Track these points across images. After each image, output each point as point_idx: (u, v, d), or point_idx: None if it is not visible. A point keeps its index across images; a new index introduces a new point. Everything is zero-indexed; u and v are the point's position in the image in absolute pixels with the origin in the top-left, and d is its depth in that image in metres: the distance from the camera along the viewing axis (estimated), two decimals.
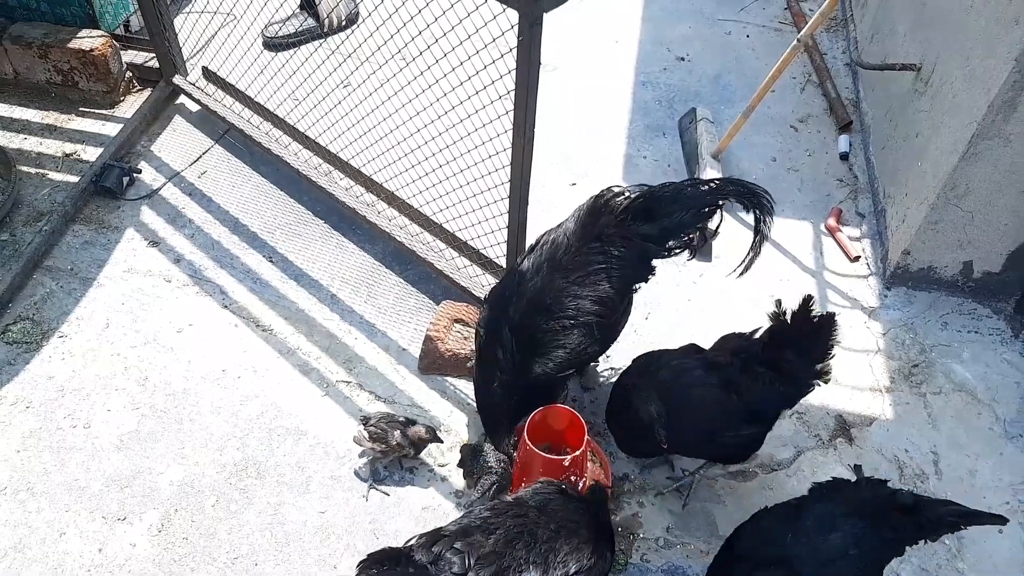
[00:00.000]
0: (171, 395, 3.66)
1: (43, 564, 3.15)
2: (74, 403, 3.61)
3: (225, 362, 3.77)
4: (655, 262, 3.27)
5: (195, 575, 3.14)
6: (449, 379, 3.74)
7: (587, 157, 4.76)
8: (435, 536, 2.56)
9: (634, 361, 3.35)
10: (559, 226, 3.28)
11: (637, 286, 3.30)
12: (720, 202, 3.17)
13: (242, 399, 3.65)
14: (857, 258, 4.29)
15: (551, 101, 5.02)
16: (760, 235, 3.21)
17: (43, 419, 3.55)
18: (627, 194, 3.17)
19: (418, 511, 3.34)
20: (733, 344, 3.20)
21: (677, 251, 3.25)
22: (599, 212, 3.17)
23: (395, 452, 3.33)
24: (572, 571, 2.65)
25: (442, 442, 3.42)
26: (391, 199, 4.04)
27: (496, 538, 2.58)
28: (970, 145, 3.59)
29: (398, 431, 3.30)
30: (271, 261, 4.18)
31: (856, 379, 3.82)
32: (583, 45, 5.46)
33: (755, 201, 3.15)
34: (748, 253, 3.24)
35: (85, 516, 3.29)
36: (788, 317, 2.98)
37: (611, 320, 3.32)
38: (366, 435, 3.31)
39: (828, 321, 2.98)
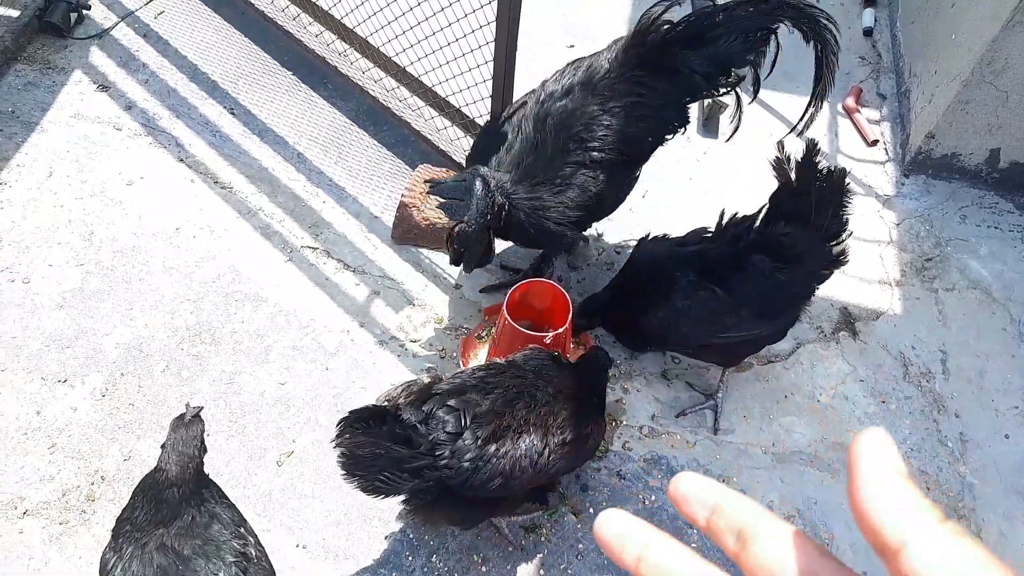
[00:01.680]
0: (119, 252, 3.33)
1: None
2: (12, 256, 3.28)
3: (179, 219, 3.43)
4: (692, 108, 2.92)
5: (141, 443, 2.91)
6: (424, 251, 3.43)
7: (587, 16, 4.30)
8: (425, 392, 2.27)
9: (635, 250, 3.03)
10: (595, 53, 2.89)
11: (669, 136, 2.94)
12: (774, 25, 2.71)
13: (197, 260, 3.33)
14: (875, 142, 3.94)
15: None
16: (823, 78, 2.78)
17: None
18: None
19: (387, 387, 3.10)
20: (731, 231, 2.84)
21: (724, 90, 2.87)
22: (644, 35, 2.74)
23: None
24: (569, 438, 2.43)
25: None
26: (364, 48, 3.60)
27: (494, 397, 2.33)
28: (1016, 11, 3.20)
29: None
30: (232, 113, 3.77)
31: (865, 270, 3.54)
32: None
33: (814, 29, 2.67)
34: (810, 101, 2.82)
35: (22, 376, 3.02)
36: (792, 170, 2.55)
37: (635, 172, 3.03)
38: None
39: (839, 177, 2.50)
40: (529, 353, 2.63)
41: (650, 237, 2.94)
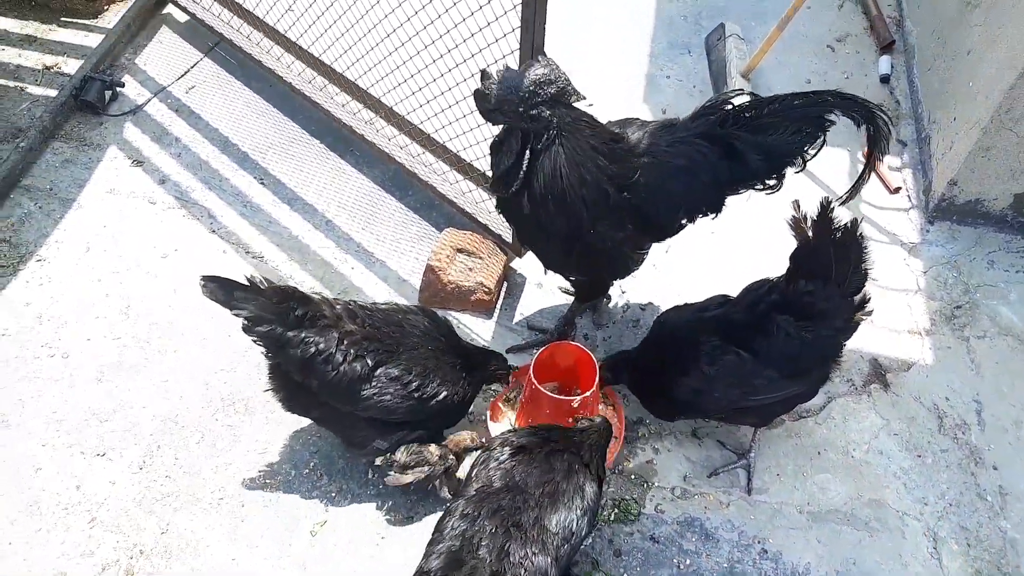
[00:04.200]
0: (154, 324, 3.42)
1: (17, 501, 2.96)
2: (52, 331, 3.38)
3: None
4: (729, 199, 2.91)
5: (177, 515, 2.95)
6: (452, 312, 3.48)
7: (606, 75, 4.38)
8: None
9: (657, 321, 3.06)
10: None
11: (699, 216, 2.94)
12: (827, 115, 2.75)
13: (230, 330, 3.39)
14: (897, 189, 3.95)
15: (566, 16, 4.63)
16: (873, 157, 2.84)
17: (20, 348, 3.33)
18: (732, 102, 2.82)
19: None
20: (752, 296, 2.85)
21: (768, 184, 2.87)
22: (713, 108, 2.81)
23: (439, 467, 2.90)
24: (572, 531, 2.42)
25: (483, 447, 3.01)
26: (390, 115, 3.70)
27: (486, 550, 2.28)
28: None
29: (432, 446, 2.93)
30: (262, 183, 3.88)
31: (893, 320, 3.52)
32: None
33: (868, 116, 2.74)
34: (859, 177, 2.89)
35: (62, 452, 3.08)
36: (809, 228, 2.59)
37: (646, 247, 3.05)
38: (402, 463, 2.86)
39: (853, 230, 2.53)
40: (493, 455, 2.54)
41: (672, 306, 2.98)
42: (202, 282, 2.58)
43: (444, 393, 2.84)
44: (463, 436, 2.99)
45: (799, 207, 2.62)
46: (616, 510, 3.02)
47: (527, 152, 2.54)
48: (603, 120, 2.83)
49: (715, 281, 3.07)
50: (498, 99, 2.46)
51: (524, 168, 2.56)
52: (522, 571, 2.26)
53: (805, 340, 2.67)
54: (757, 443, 3.11)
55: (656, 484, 3.09)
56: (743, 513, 3.04)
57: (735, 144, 2.76)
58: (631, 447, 3.17)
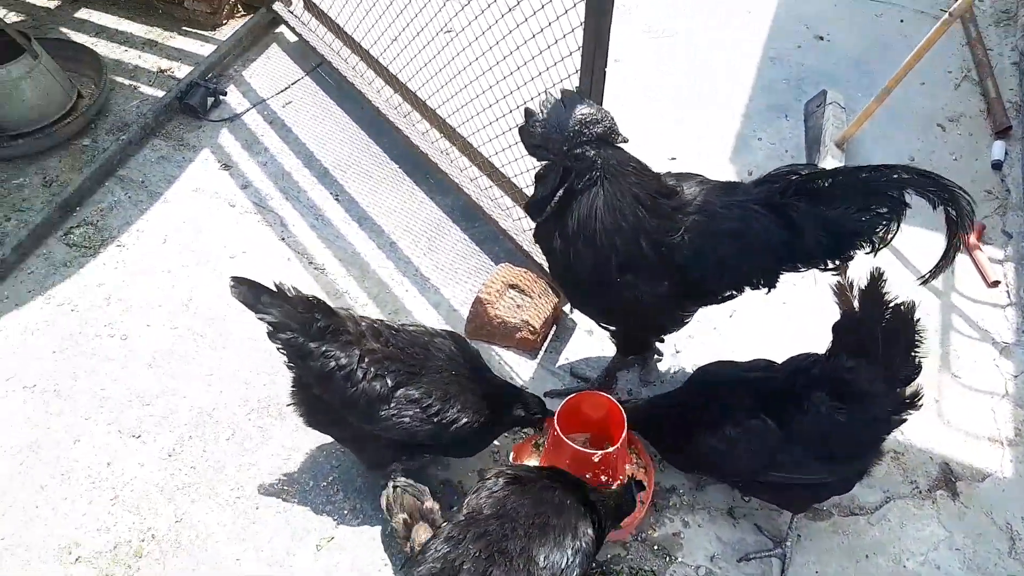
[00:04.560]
0: (211, 320, 3.52)
1: (52, 468, 3.07)
2: (117, 313, 3.54)
3: None
4: (785, 274, 2.72)
5: (194, 506, 2.98)
6: (496, 348, 3.42)
7: (694, 130, 4.28)
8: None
9: (696, 371, 2.91)
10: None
11: (748, 288, 2.76)
12: (898, 192, 2.50)
13: None
14: (996, 283, 3.62)
15: (661, 67, 4.57)
16: (955, 241, 2.56)
17: (85, 324, 3.50)
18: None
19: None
20: (793, 365, 2.66)
21: (826, 266, 2.65)
22: (776, 176, 2.66)
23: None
24: (561, 568, 2.28)
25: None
26: (465, 147, 3.73)
27: (470, 571, 2.20)
28: None
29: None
30: (337, 199, 3.97)
31: (973, 423, 3.19)
32: (709, 12, 4.94)
33: (949, 198, 2.48)
34: (940, 260, 2.62)
35: (102, 428, 3.19)
36: (855, 298, 2.36)
37: (690, 310, 2.89)
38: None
39: (907, 311, 2.28)
40: (487, 484, 2.46)
41: (716, 360, 2.81)
42: (232, 283, 2.62)
43: (465, 420, 2.76)
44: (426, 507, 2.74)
45: (846, 271, 2.43)
46: None
47: (562, 187, 2.48)
48: (691, 171, 2.75)
49: (780, 354, 2.87)
50: (543, 136, 2.43)
51: (554, 202, 2.50)
52: None
53: (838, 423, 2.45)
54: (794, 532, 2.86)
55: (680, 559, 2.88)
56: None
57: (792, 215, 2.60)
58: (659, 515, 2.98)
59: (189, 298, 3.59)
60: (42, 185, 3.99)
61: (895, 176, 2.49)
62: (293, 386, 2.84)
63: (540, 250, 2.90)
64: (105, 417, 3.22)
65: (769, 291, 2.78)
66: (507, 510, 2.34)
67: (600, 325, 3.00)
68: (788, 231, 2.60)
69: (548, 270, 2.88)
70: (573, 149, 2.42)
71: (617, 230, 2.52)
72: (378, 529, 2.93)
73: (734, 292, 2.81)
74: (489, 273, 3.60)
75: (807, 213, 2.58)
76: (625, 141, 2.50)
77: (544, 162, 2.58)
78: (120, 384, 3.31)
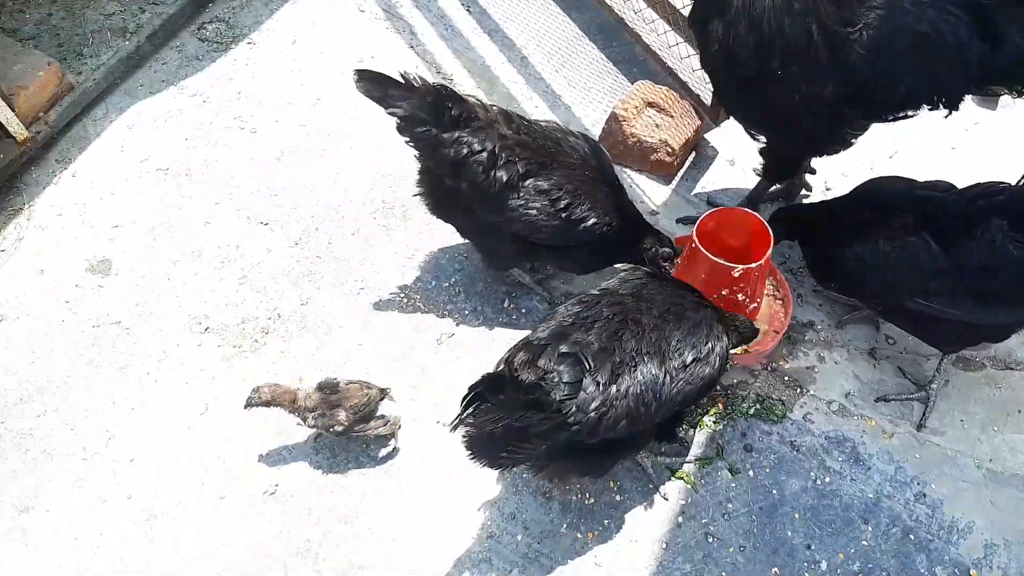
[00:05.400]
0: (338, 121, 3.46)
1: (184, 245, 3.13)
2: (247, 108, 3.51)
3: None
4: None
5: (319, 293, 2.99)
6: (628, 171, 3.24)
7: None
8: (533, 349, 2.02)
9: (867, 181, 2.66)
10: None
11: (936, 106, 2.46)
12: None
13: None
14: None
15: None
16: None
17: (216, 115, 3.49)
18: None
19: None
20: (978, 189, 2.39)
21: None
22: None
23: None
24: (689, 360, 2.15)
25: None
26: None
27: (598, 332, 2.08)
28: None
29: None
30: (468, 10, 3.79)
31: None
32: None
33: None
34: None
35: (232, 212, 3.22)
36: None
37: (867, 123, 2.62)
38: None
39: None
40: (624, 275, 2.36)
41: (888, 175, 2.56)
42: (355, 76, 2.50)
43: (594, 220, 2.62)
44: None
45: None
46: (758, 406, 2.71)
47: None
48: None
49: None
50: None
51: None
52: (634, 362, 2.04)
53: (1011, 255, 2.21)
54: (942, 377, 2.66)
55: (811, 393, 2.74)
56: (907, 449, 2.62)
57: (995, 19, 2.26)
58: (792, 348, 2.83)
59: (317, 98, 3.53)
60: None
61: None
62: (419, 176, 2.75)
63: (700, 77, 2.67)
64: (234, 203, 3.24)
65: (949, 113, 2.48)
66: (643, 294, 2.23)
67: (750, 133, 2.75)
68: (987, 41, 2.28)
69: (702, 61, 2.62)
70: None
71: (787, 10, 2.25)
72: (497, 331, 2.89)
73: (907, 110, 2.51)
74: (623, 94, 3.39)
75: (1015, 17, 2.25)
76: None
77: None
78: (249, 174, 3.32)
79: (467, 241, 3.02)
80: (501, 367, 1.98)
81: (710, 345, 2.22)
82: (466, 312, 2.94)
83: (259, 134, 3.43)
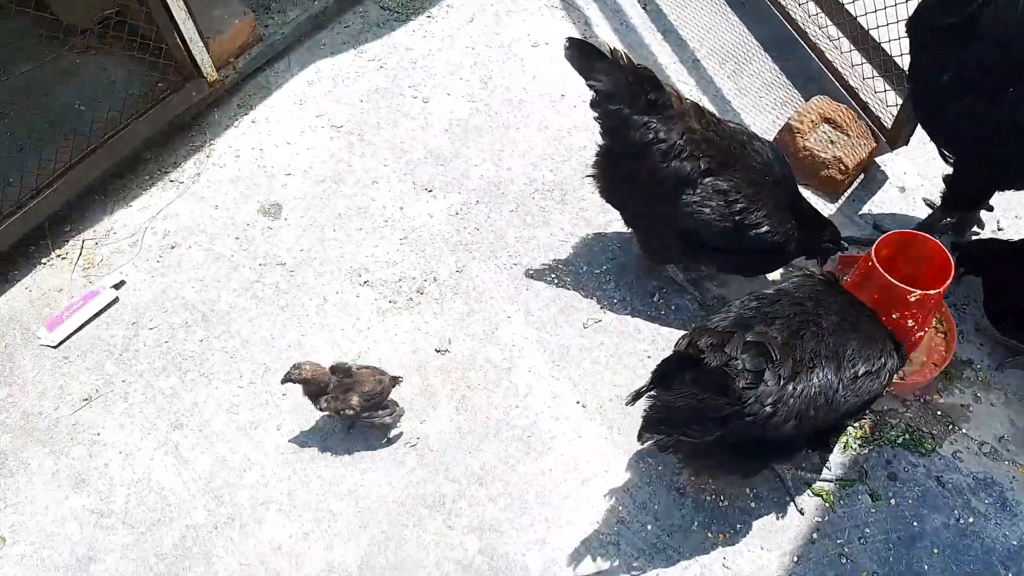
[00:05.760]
0: (507, 101, 3.55)
1: (351, 200, 3.28)
2: (421, 77, 3.65)
3: (566, 87, 3.55)
4: None
5: (474, 263, 3.08)
6: None
7: None
8: (719, 335, 2.03)
9: None
10: None
11: None
12: None
13: (571, 127, 3.44)
14: None
15: None
16: None
17: (391, 81, 3.64)
18: None
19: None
20: None
21: None
22: None
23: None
24: (861, 371, 2.13)
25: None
26: None
27: (779, 328, 2.09)
28: None
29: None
30: (644, 7, 3.82)
31: None
32: None
33: None
34: None
35: (398, 176, 3.35)
36: None
37: None
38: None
39: None
40: (799, 280, 2.34)
41: None
42: (566, 43, 2.56)
43: (766, 228, 2.61)
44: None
45: None
46: (906, 436, 2.64)
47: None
48: None
49: None
50: None
51: None
52: (812, 363, 2.04)
53: None
54: None
55: (963, 431, 2.66)
56: None
57: None
58: (947, 383, 2.75)
59: (488, 77, 3.63)
60: None
61: None
62: (598, 155, 2.80)
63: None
64: (402, 167, 3.37)
65: None
66: (820, 299, 2.22)
67: (944, 156, 2.66)
68: None
69: (911, 76, 2.55)
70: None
71: None
72: (643, 323, 2.91)
73: None
74: (799, 107, 3.36)
75: None
76: None
77: None
78: (418, 141, 3.44)
79: (622, 232, 3.07)
80: (685, 347, 2.01)
81: (883, 361, 2.20)
82: (614, 300, 2.98)
83: (430, 104, 3.56)
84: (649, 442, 2.09)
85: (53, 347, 2.95)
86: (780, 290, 2.26)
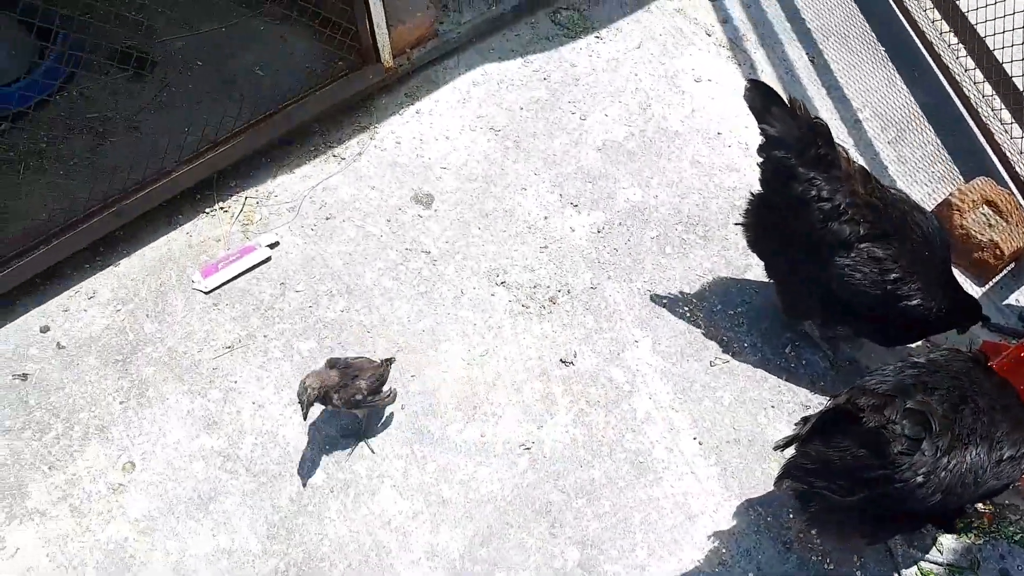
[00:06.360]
0: (663, 130, 3.61)
1: (499, 202, 3.39)
2: (581, 95, 3.74)
3: (723, 127, 3.59)
4: None
5: (609, 282, 3.15)
6: None
7: None
8: (879, 397, 2.05)
9: None
10: None
11: None
12: None
13: (723, 166, 3.47)
14: None
15: None
16: None
17: (552, 94, 3.74)
18: None
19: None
20: None
21: None
22: None
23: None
24: (1006, 455, 2.12)
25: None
26: (962, 28, 3.40)
27: (939, 399, 2.09)
28: None
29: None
30: (812, 61, 3.83)
31: None
32: None
33: None
34: None
35: (547, 186, 3.45)
36: None
37: None
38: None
39: None
40: (950, 354, 2.31)
41: None
42: (748, 84, 2.61)
43: (917, 302, 2.59)
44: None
45: None
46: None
47: None
48: None
49: None
50: None
51: None
52: (967, 440, 2.05)
53: None
54: None
55: None
56: None
57: None
58: None
59: (647, 103, 3.70)
60: None
61: None
62: (750, 204, 2.83)
63: None
64: (551, 178, 3.47)
65: None
66: (972, 377, 2.22)
67: None
68: None
69: None
70: None
71: None
72: (770, 373, 2.93)
73: None
74: (956, 185, 3.31)
75: None
76: None
77: None
78: (570, 156, 3.54)
79: (762, 279, 3.09)
80: (844, 403, 2.03)
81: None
82: (745, 345, 3.00)
83: (587, 122, 3.65)
84: (786, 487, 2.12)
85: (205, 292, 3.15)
86: (932, 361, 2.25)
